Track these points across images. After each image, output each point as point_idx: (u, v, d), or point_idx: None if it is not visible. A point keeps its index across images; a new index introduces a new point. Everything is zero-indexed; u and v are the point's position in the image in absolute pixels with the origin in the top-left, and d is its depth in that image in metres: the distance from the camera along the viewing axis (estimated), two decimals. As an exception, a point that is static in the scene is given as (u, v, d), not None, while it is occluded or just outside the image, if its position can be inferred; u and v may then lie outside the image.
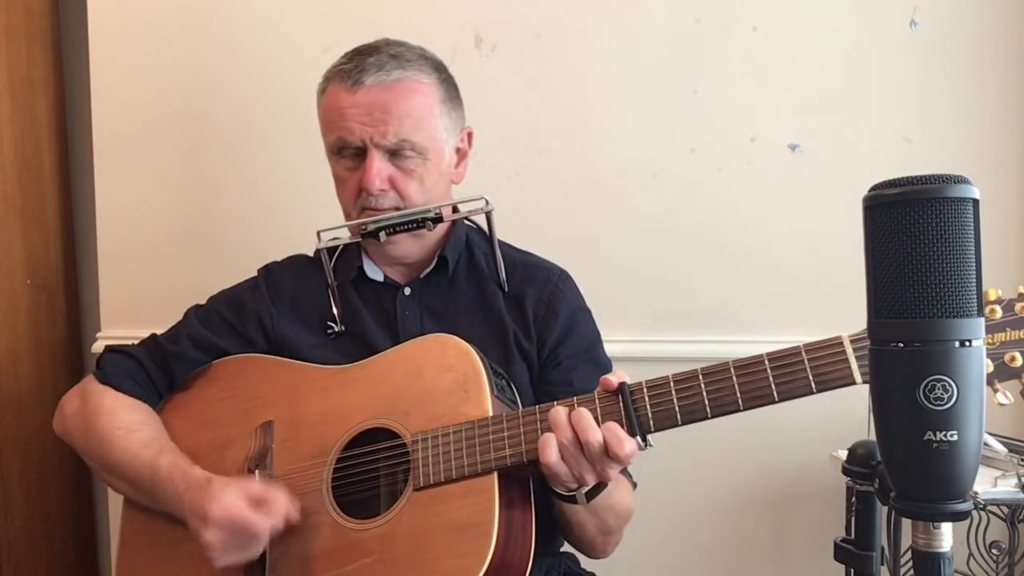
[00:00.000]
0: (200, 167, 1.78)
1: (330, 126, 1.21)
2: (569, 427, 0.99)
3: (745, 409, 0.98)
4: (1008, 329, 0.92)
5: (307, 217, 1.71)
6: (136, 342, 1.29)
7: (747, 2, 1.69)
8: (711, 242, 1.73)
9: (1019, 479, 1.38)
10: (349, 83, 1.17)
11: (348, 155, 1.20)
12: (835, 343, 0.95)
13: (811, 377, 0.95)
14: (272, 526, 1.04)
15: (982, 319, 0.62)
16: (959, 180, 0.62)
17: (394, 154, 1.18)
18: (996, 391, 0.92)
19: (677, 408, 0.99)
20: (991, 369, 0.91)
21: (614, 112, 1.71)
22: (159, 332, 1.29)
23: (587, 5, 1.71)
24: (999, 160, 1.69)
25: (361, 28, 1.69)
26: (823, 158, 1.71)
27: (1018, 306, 0.93)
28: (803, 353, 0.96)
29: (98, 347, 1.76)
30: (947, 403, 0.61)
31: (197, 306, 1.31)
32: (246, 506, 1.03)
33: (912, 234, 0.61)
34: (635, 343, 1.68)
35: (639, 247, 1.73)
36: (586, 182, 1.73)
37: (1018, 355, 0.92)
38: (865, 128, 1.70)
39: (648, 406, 1.00)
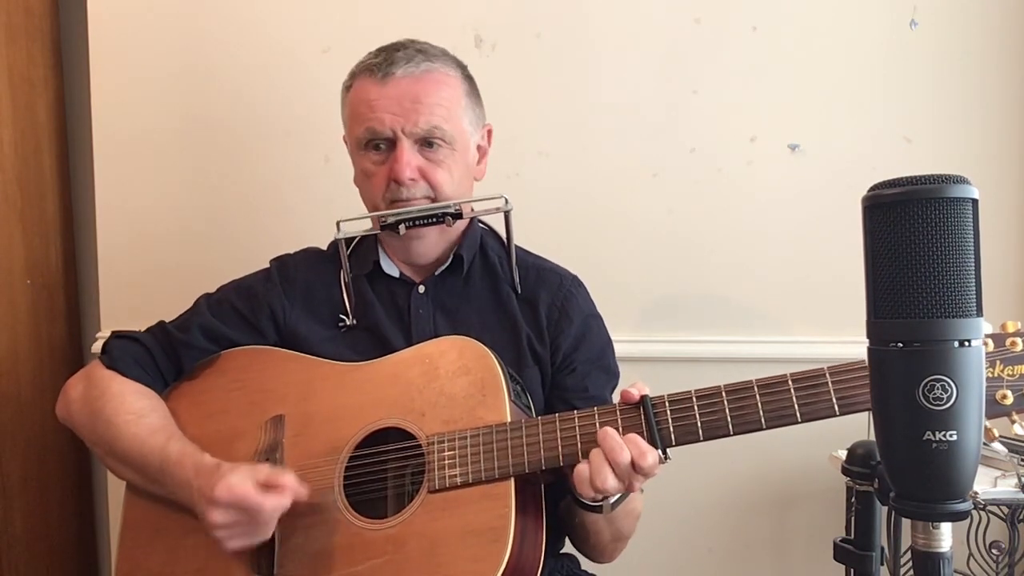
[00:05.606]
0: (200, 167, 1.78)
1: (358, 119, 1.20)
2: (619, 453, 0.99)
3: (768, 428, 0.98)
4: None
5: (307, 216, 1.73)
6: (144, 328, 1.27)
7: (747, 2, 1.69)
8: (711, 242, 1.72)
9: (1019, 479, 1.38)
10: (379, 75, 1.18)
11: (377, 148, 1.20)
12: (859, 366, 0.96)
13: (835, 399, 0.96)
14: (280, 506, 1.03)
15: (982, 319, 0.62)
16: (959, 180, 0.62)
17: (423, 145, 1.19)
18: (1014, 422, 0.92)
19: (699, 424, 1.00)
20: (1011, 401, 0.91)
21: (614, 112, 1.71)
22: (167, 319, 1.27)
23: (587, 5, 1.70)
24: (999, 160, 1.69)
25: (361, 28, 1.70)
26: (823, 158, 1.70)
27: (1040, 338, 0.92)
28: (827, 375, 0.97)
29: (98, 347, 1.75)
30: (946, 403, 0.61)
31: (208, 294, 1.30)
32: (253, 488, 1.02)
33: (912, 234, 0.61)
34: (633, 343, 1.68)
35: (639, 247, 1.73)
36: (586, 182, 1.73)
37: (1040, 387, 0.91)
38: (865, 128, 1.69)
39: (670, 420, 1.00)
